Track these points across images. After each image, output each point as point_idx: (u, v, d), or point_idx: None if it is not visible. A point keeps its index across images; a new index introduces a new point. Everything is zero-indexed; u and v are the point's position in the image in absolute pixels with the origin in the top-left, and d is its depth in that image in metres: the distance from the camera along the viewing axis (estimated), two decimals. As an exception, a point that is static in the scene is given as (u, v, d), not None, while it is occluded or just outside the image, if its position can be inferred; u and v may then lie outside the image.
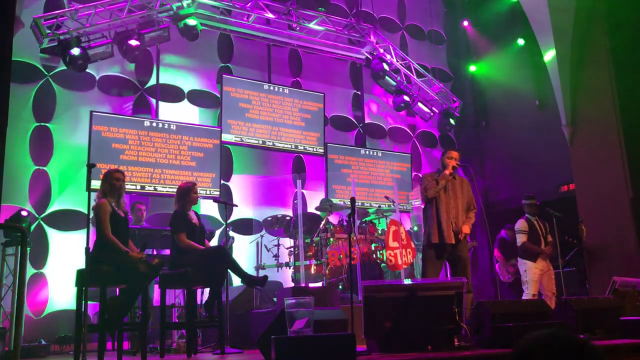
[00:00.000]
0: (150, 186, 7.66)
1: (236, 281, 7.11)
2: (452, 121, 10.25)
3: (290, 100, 9.10)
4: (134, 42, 7.47)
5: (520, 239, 6.83)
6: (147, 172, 7.68)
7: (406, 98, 9.83)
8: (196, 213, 5.46)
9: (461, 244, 5.40)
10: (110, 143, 7.48)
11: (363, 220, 7.89)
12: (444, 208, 5.43)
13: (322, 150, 9.18)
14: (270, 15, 8.85)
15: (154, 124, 7.93)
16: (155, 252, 6.50)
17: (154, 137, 7.83)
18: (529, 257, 6.76)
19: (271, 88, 8.96)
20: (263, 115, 8.75)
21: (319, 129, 9.24)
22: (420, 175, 10.46)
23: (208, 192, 7.95)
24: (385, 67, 9.56)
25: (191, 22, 7.85)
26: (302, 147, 9.03)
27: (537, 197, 7.21)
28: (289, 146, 8.92)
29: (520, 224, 6.90)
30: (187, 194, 5.27)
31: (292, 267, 7.42)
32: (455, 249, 5.37)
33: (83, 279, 4.46)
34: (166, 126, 8.00)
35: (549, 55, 8.77)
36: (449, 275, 6.14)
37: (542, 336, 1.27)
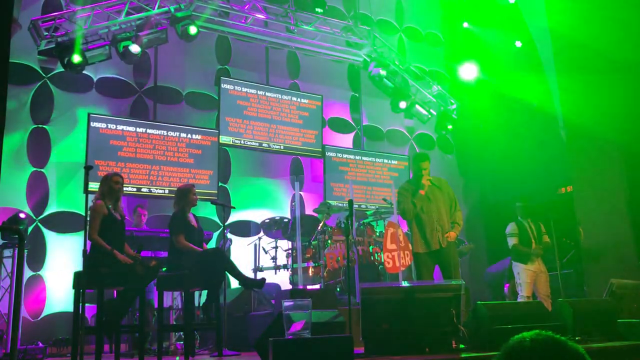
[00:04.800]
0: (148, 188, 7.66)
1: (234, 283, 7.10)
2: (449, 124, 10.26)
3: (288, 98, 9.11)
4: (134, 48, 7.43)
5: (511, 241, 6.88)
6: (145, 169, 7.68)
7: (404, 100, 9.83)
8: (195, 216, 5.47)
9: (449, 248, 5.40)
10: (108, 140, 7.49)
11: (361, 222, 7.89)
12: (426, 216, 5.43)
13: (319, 150, 9.17)
14: (267, 17, 8.84)
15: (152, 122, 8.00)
16: (152, 255, 6.49)
17: (152, 134, 7.84)
18: (520, 259, 6.81)
19: (269, 89, 8.99)
20: (261, 113, 8.76)
21: (317, 127, 9.25)
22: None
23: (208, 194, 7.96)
24: (383, 69, 9.56)
25: (192, 29, 7.87)
26: (300, 146, 9.03)
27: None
28: (289, 148, 8.92)
29: (510, 228, 6.95)
30: (186, 195, 5.29)
31: (290, 270, 7.41)
32: (443, 253, 5.37)
33: (80, 281, 4.46)
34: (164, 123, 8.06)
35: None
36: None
37: (524, 339, 1.30)
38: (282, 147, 8.88)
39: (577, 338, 4.31)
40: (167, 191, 7.74)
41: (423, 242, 5.40)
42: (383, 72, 9.55)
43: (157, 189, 7.72)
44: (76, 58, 7.10)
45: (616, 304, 5.09)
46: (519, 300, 6.72)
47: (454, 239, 5.48)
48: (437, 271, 5.71)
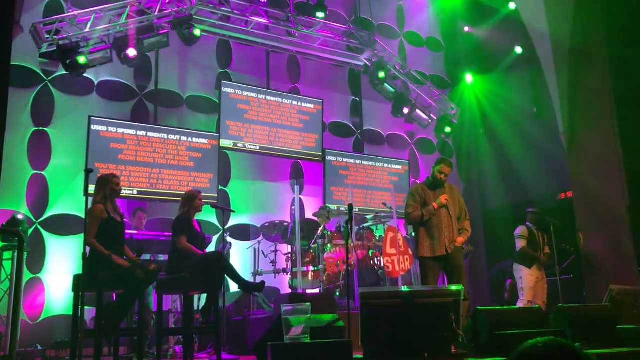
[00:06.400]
0: (149, 191, 7.65)
1: (233, 287, 7.09)
2: (447, 128, 10.25)
3: (288, 102, 9.13)
4: (131, 52, 7.44)
5: (520, 243, 6.87)
6: (145, 173, 7.69)
7: (404, 105, 9.84)
8: (198, 222, 5.48)
9: (456, 252, 5.38)
10: (108, 143, 7.49)
11: (361, 226, 7.89)
12: (435, 221, 5.39)
13: (319, 154, 9.18)
14: (268, 22, 8.86)
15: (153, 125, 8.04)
16: (152, 258, 6.50)
17: (153, 137, 7.85)
18: (525, 263, 6.80)
19: (270, 92, 9.00)
20: (261, 117, 8.77)
21: (317, 131, 9.26)
22: (419, 184, 10.48)
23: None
24: (384, 74, 9.57)
25: (197, 31, 7.91)
26: (300, 150, 9.04)
27: (535, 204, 7.24)
28: (289, 151, 8.93)
29: (521, 230, 6.95)
30: (192, 200, 5.33)
31: (289, 273, 7.41)
32: (449, 258, 5.34)
33: (80, 284, 4.45)
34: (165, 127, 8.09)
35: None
36: (446, 282, 6.14)
37: (537, 344, 1.28)
38: (282, 151, 8.89)
39: (576, 344, 4.31)
40: (167, 194, 7.75)
41: (429, 247, 5.36)
42: (381, 74, 9.52)
43: (157, 192, 7.72)
44: (82, 59, 7.13)
45: (616, 310, 5.08)
46: (519, 304, 6.71)
47: (461, 244, 5.45)
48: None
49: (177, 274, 4.97)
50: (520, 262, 6.88)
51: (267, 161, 9.11)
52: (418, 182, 10.55)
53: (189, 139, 8.11)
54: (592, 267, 7.92)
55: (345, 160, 9.48)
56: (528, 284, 6.72)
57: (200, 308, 5.63)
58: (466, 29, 11.25)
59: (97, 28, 7.43)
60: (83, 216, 4.56)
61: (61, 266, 7.21)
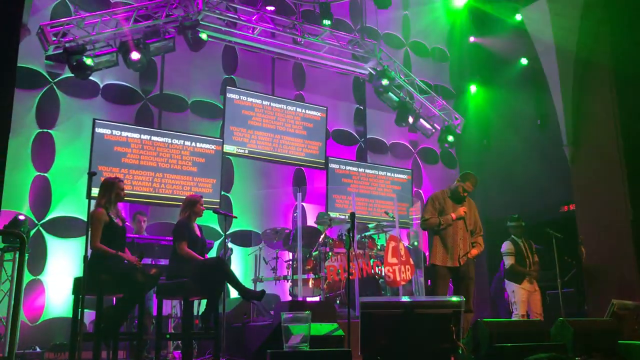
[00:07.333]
0: (151, 195, 7.66)
1: (233, 293, 7.08)
2: (450, 138, 10.23)
3: (293, 109, 9.14)
4: (135, 55, 7.46)
5: (508, 261, 6.88)
6: (148, 177, 7.70)
7: (408, 114, 9.85)
8: (199, 227, 5.47)
9: (468, 264, 5.40)
10: (112, 146, 7.51)
11: (362, 235, 7.87)
12: (450, 231, 5.41)
13: (322, 161, 9.18)
14: (274, 29, 8.89)
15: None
16: (152, 262, 6.49)
17: (156, 141, 7.87)
18: (515, 279, 6.80)
19: (274, 99, 9.02)
20: (265, 123, 8.78)
21: (320, 138, 9.27)
22: (422, 193, 10.46)
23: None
24: (387, 81, 9.57)
25: (204, 35, 7.95)
26: (303, 157, 9.04)
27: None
28: (292, 158, 8.94)
29: (507, 247, 6.95)
30: (193, 205, 5.32)
31: (290, 281, 7.39)
32: (460, 269, 5.37)
33: (80, 287, 4.45)
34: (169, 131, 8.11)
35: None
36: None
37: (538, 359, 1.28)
38: (285, 158, 8.90)
39: (577, 358, 4.29)
40: (169, 199, 7.75)
41: (442, 256, 5.41)
42: (385, 82, 9.51)
43: (159, 196, 7.72)
44: (88, 60, 7.16)
45: (617, 325, 5.05)
46: (513, 317, 6.70)
47: (474, 256, 5.47)
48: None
49: (177, 279, 4.96)
50: (510, 279, 6.89)
51: (270, 167, 9.12)
52: (421, 191, 10.56)
53: (193, 143, 8.13)
54: (594, 281, 7.89)
55: (348, 168, 9.49)
56: (520, 297, 6.72)
57: (199, 313, 5.61)
58: (472, 39, 11.27)
59: (104, 32, 7.46)
60: (85, 219, 4.56)
61: (62, 268, 7.20)
